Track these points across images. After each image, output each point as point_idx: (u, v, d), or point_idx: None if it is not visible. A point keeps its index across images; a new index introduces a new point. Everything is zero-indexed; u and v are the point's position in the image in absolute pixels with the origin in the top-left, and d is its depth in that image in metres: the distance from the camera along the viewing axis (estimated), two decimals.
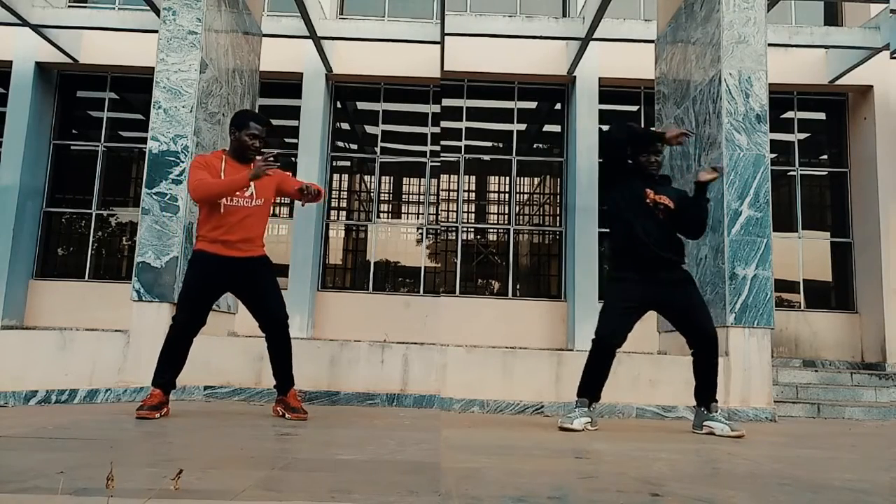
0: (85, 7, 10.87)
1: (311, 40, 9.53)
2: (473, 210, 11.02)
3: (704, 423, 3.96)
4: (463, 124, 11.02)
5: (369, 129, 11.16)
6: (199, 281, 3.86)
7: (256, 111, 7.17)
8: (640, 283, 3.95)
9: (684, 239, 4.17)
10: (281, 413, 3.91)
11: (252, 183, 3.82)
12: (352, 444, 3.08)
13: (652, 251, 3.92)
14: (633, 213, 3.96)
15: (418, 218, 10.92)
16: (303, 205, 4.08)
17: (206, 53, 5.71)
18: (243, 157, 3.92)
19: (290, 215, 10.42)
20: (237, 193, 3.80)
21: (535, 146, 11.43)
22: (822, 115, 10.97)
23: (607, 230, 4.28)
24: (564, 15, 10.90)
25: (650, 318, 4.37)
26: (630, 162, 4.05)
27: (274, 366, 3.98)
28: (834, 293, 10.52)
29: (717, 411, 3.99)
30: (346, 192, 11.27)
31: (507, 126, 11.04)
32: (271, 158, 3.69)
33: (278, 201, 10.72)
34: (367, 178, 11.11)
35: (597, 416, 4.05)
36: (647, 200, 3.94)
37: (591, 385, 3.98)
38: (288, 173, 4.28)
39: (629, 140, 4.07)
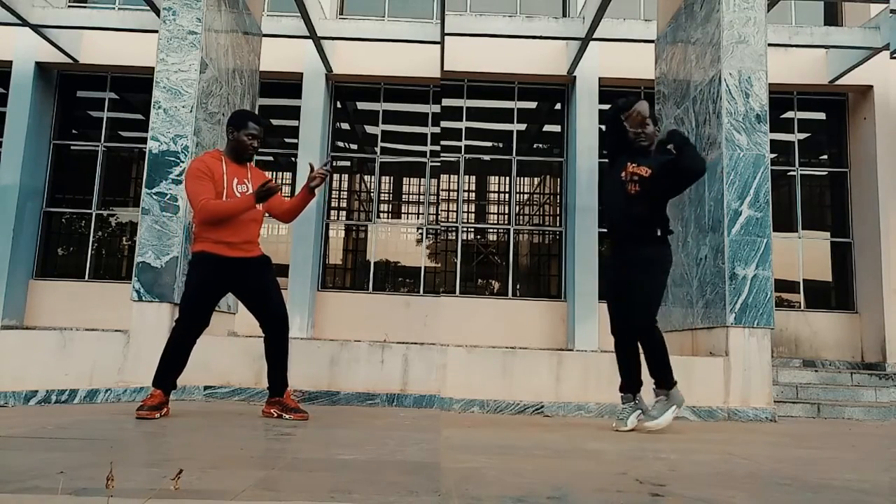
0: (85, 7, 10.88)
1: (311, 40, 9.53)
2: (473, 210, 11.02)
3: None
4: (463, 124, 11.02)
5: (369, 129, 11.16)
6: (203, 282, 3.83)
7: (256, 111, 7.18)
8: (612, 265, 4.14)
9: (658, 215, 4.00)
10: (276, 414, 3.87)
11: (249, 186, 3.86)
12: (352, 444, 3.08)
13: (609, 221, 4.21)
14: (608, 188, 4.17)
15: (418, 218, 10.92)
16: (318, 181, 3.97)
17: (206, 53, 5.71)
18: (241, 158, 3.93)
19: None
20: (238, 196, 3.82)
21: (535, 146, 11.43)
22: (822, 115, 10.97)
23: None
24: (564, 15, 10.91)
25: None
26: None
27: (271, 366, 3.95)
28: (834, 293, 10.52)
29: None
30: (346, 192, 11.27)
31: (507, 126, 11.04)
32: (274, 185, 3.72)
33: None
34: (367, 178, 11.11)
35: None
36: (622, 174, 3.97)
37: (623, 376, 4.02)
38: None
39: (616, 116, 4.10)
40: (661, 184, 3.91)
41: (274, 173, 10.79)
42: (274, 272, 4.05)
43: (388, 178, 11.11)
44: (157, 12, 7.88)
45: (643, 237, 3.95)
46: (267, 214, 4.07)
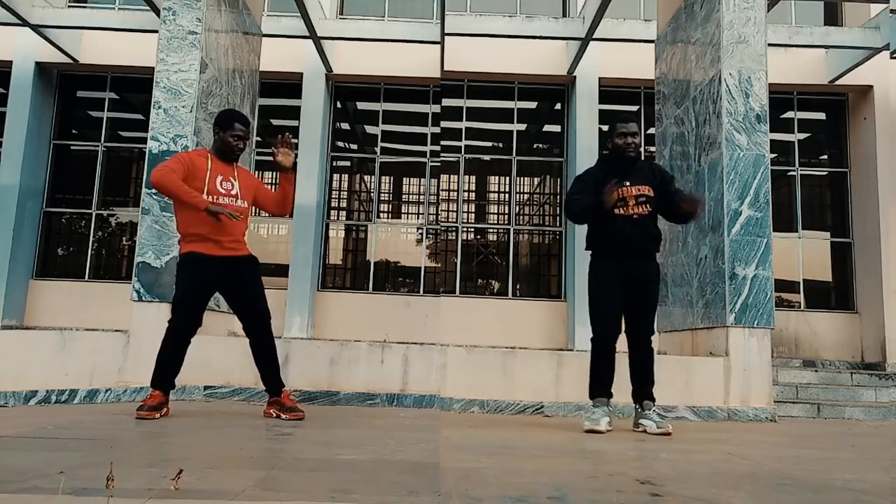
0: (85, 7, 10.87)
1: (311, 40, 9.52)
2: (473, 210, 11.02)
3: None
4: (463, 124, 11.02)
5: (369, 129, 11.16)
6: (194, 282, 3.84)
7: (256, 111, 7.19)
8: (618, 279, 4.06)
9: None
10: (276, 415, 3.88)
11: (234, 184, 3.89)
12: (352, 444, 3.08)
13: (623, 241, 4.05)
14: (604, 217, 4.05)
15: (418, 218, 10.91)
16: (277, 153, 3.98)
17: (206, 53, 5.71)
18: (227, 157, 3.95)
19: (290, 215, 10.41)
20: (223, 192, 3.83)
21: (535, 146, 11.43)
22: (822, 115, 10.97)
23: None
24: (564, 15, 10.90)
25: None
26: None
27: (261, 367, 3.97)
28: (834, 293, 10.52)
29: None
30: (346, 192, 11.27)
31: (507, 126, 11.04)
32: (238, 214, 3.75)
33: None
34: (367, 178, 11.11)
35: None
36: (624, 196, 3.97)
37: (607, 383, 4.03)
38: (264, 183, 4.29)
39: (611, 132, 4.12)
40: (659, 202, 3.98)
41: (274, 173, 10.77)
42: (260, 273, 4.05)
43: (388, 178, 11.11)
44: (157, 12, 7.88)
45: (655, 254, 4.08)
46: (267, 214, 4.08)
